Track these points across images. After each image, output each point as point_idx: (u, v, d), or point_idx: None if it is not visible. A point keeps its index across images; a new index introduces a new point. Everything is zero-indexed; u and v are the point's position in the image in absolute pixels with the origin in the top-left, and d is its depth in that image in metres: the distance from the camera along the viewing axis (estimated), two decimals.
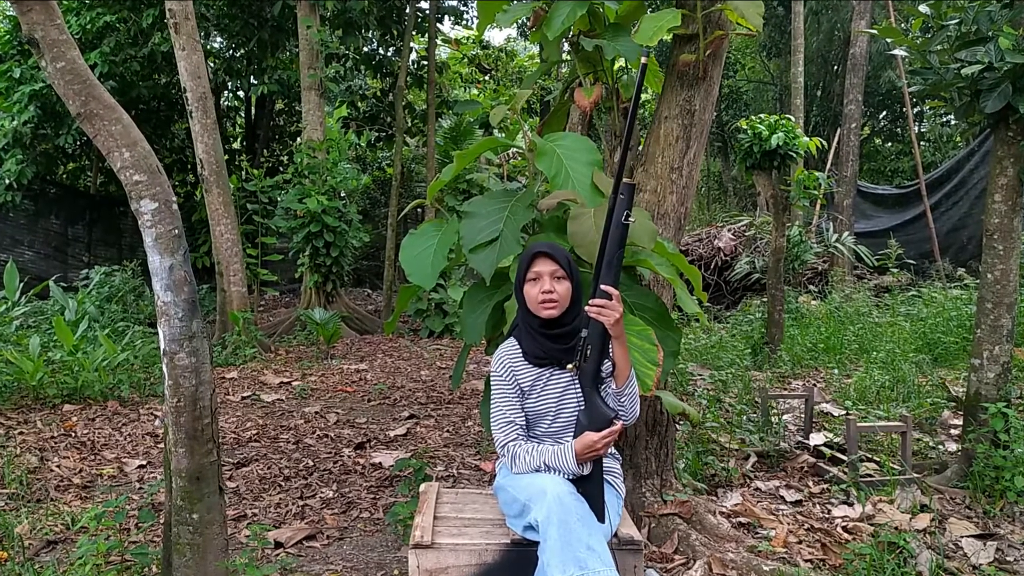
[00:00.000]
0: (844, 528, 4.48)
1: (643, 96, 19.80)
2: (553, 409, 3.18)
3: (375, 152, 21.67)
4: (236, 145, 21.82)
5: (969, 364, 5.31)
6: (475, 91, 25.40)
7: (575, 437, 3.07)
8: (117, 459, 6.01)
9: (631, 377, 3.07)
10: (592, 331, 3.03)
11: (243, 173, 15.12)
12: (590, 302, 2.99)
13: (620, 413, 3.10)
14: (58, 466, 5.71)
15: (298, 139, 16.27)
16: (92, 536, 4.09)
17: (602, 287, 2.98)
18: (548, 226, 3.79)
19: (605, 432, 3.01)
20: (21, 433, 6.46)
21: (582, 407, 3.13)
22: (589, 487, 3.02)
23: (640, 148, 4.52)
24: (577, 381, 3.16)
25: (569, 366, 3.11)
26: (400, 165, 15.38)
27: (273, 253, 14.59)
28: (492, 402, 3.23)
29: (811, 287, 14.19)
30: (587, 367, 3.06)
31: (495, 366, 3.26)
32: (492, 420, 3.21)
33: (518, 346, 3.24)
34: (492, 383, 3.25)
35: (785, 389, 8.08)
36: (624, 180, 3.01)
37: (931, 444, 6.04)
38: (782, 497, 5.09)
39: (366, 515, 4.92)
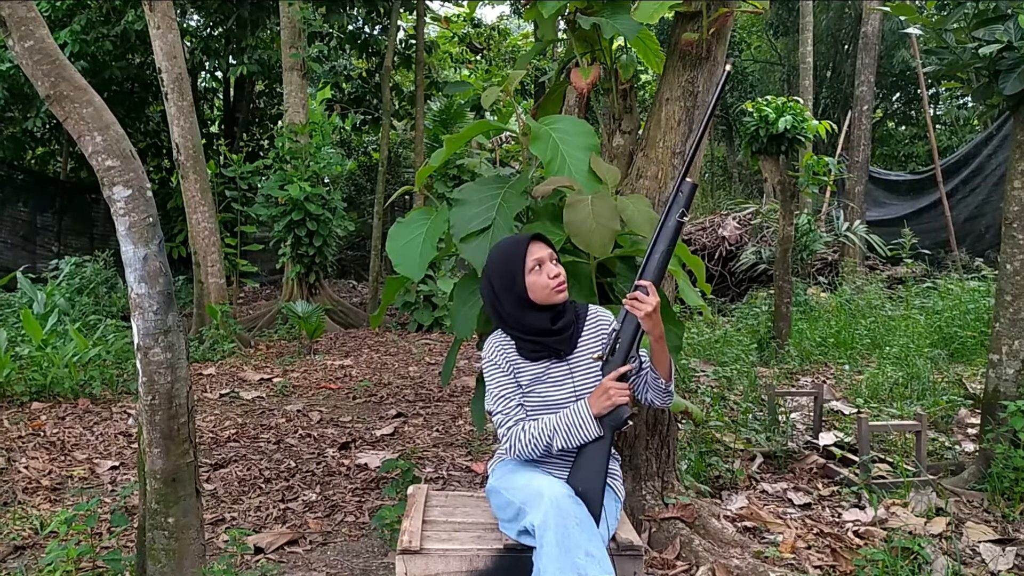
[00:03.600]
0: (855, 533, 4.49)
1: (643, 77, 19.85)
2: (547, 398, 3.17)
3: (360, 136, 21.64)
4: (214, 129, 21.77)
5: (987, 360, 5.32)
6: (466, 72, 25.38)
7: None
8: (88, 460, 6.00)
9: (672, 369, 3.12)
10: (626, 325, 3.06)
11: (221, 158, 15.09)
12: (628, 296, 3.01)
13: (664, 403, 3.17)
14: (26, 467, 5.71)
15: (279, 122, 16.26)
16: (62, 541, 4.07)
17: (637, 282, 3.02)
18: (543, 214, 3.78)
19: (614, 374, 3.02)
20: None
21: (575, 394, 3.15)
22: (588, 490, 3.02)
23: (640, 132, 4.52)
24: (574, 373, 3.16)
25: (596, 356, 3.14)
26: (387, 150, 15.34)
27: (253, 243, 14.60)
28: (490, 387, 3.20)
29: (820, 278, 14.20)
30: (615, 360, 3.07)
31: (490, 355, 3.23)
32: (493, 403, 3.18)
33: (513, 341, 3.22)
34: (487, 372, 3.22)
35: (793, 386, 8.09)
36: (687, 180, 3.07)
37: (947, 444, 6.05)
38: (790, 500, 5.10)
39: (351, 519, 4.92)
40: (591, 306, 3.29)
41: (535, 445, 3.07)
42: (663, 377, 3.07)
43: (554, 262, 3.14)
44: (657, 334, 3.01)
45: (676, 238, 3.08)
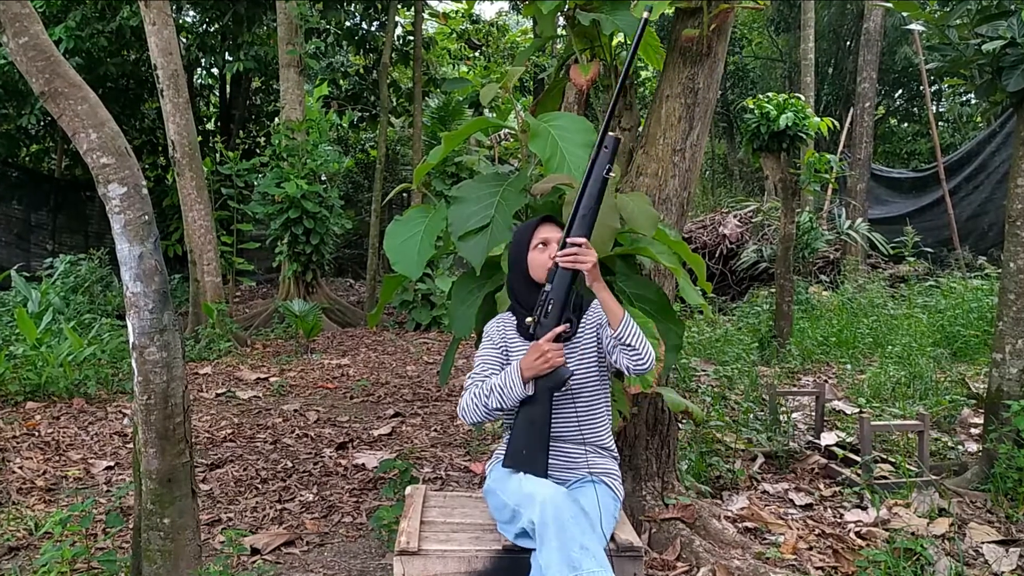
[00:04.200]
0: (857, 534, 4.49)
1: (643, 74, 19.85)
2: (539, 384, 3.18)
3: (358, 133, 21.64)
4: (210, 126, 21.77)
5: (990, 359, 5.32)
6: (464, 68, 25.37)
7: (532, 399, 3.13)
8: (83, 460, 6.00)
9: (625, 317, 3.06)
10: (557, 284, 3.09)
11: (217, 156, 15.13)
12: (559, 253, 3.05)
13: (636, 364, 3.09)
14: (20, 467, 5.70)
15: (276, 119, 16.22)
16: (57, 542, 4.08)
17: (569, 240, 3.04)
18: (542, 212, 3.78)
19: (550, 335, 3.06)
20: None
21: (577, 383, 3.20)
22: (529, 452, 3.11)
23: (640, 129, 4.52)
24: (568, 359, 3.17)
25: (528, 320, 3.17)
26: (384, 147, 15.34)
27: (249, 241, 14.57)
28: (476, 359, 3.32)
29: (822, 277, 14.22)
30: (547, 323, 3.10)
31: (488, 331, 3.35)
32: (468, 378, 3.28)
33: (515, 319, 3.30)
34: (481, 346, 3.32)
35: (794, 385, 8.09)
36: (610, 133, 3.08)
37: (950, 444, 6.05)
38: (791, 500, 5.10)
39: (348, 520, 4.92)
40: (595, 300, 3.30)
41: (476, 405, 3.15)
42: (613, 325, 3.06)
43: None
44: (600, 285, 3.06)
45: (603, 193, 3.09)
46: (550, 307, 3.09)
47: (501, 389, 3.10)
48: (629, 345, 3.06)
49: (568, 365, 3.15)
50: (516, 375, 3.07)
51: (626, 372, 3.16)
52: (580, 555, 2.74)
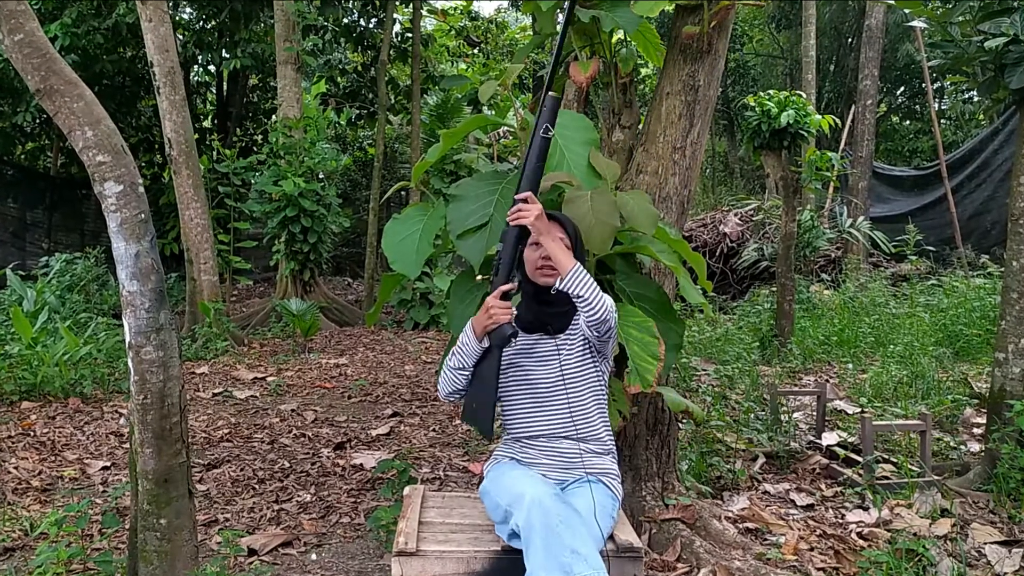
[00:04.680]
0: (859, 534, 4.49)
1: (643, 71, 19.83)
2: (531, 376, 3.26)
3: (356, 131, 21.60)
4: (207, 123, 21.74)
5: (993, 358, 5.32)
6: (463, 65, 25.34)
7: (487, 356, 3.20)
8: (79, 460, 6.00)
9: (574, 268, 3.06)
10: (506, 242, 3.17)
11: (214, 153, 15.09)
12: (511, 211, 3.12)
13: (588, 315, 3.09)
14: (15, 467, 5.70)
15: (273, 117, 16.22)
16: (52, 543, 4.07)
17: (517, 196, 3.12)
18: None
19: (496, 292, 3.12)
20: None
21: (561, 374, 3.24)
22: (479, 403, 3.19)
23: (640, 126, 4.52)
24: (560, 351, 3.25)
25: (479, 278, 3.33)
26: (383, 145, 15.33)
27: (246, 239, 14.56)
28: None
29: (824, 275, 14.21)
30: (497, 281, 3.16)
31: None
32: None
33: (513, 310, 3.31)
34: None
35: (796, 385, 8.09)
36: (550, 94, 3.18)
37: (952, 444, 6.06)
38: (792, 501, 5.10)
39: (346, 520, 4.92)
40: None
41: (446, 371, 3.28)
42: (561, 275, 3.09)
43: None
44: (548, 238, 3.10)
45: (546, 152, 3.19)
46: (500, 266, 3.15)
47: (460, 347, 3.20)
48: (578, 296, 3.07)
49: (561, 356, 3.23)
50: (470, 331, 3.17)
51: (586, 331, 3.18)
52: (571, 560, 2.73)
